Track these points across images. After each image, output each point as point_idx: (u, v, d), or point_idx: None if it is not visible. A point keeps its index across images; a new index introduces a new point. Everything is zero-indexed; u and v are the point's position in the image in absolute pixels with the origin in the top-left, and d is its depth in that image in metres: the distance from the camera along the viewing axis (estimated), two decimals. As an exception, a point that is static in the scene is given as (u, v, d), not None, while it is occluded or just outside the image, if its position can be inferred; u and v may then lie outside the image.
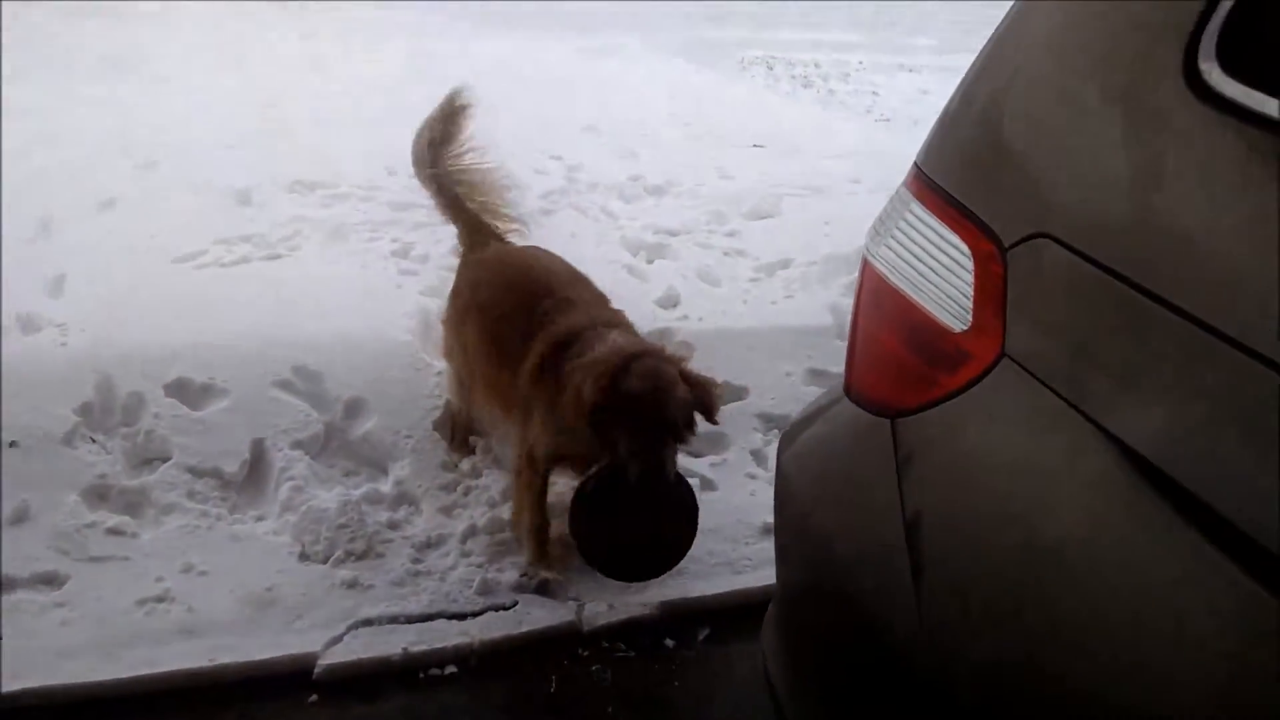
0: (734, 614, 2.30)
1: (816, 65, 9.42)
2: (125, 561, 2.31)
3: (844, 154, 5.83)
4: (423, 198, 4.37)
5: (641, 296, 3.46)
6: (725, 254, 3.97)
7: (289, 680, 2.08)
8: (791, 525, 1.32)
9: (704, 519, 2.64)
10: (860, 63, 9.73)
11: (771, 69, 9.19)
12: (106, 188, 4.20)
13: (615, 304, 3.35)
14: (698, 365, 3.03)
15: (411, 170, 3.07)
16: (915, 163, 1.15)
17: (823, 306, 3.47)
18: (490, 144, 5.35)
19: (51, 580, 2.24)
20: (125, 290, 3.24)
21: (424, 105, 4.91)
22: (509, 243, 2.93)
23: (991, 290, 0.96)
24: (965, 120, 1.10)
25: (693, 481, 2.74)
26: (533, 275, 2.58)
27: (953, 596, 0.97)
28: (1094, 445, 0.84)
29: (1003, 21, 1.11)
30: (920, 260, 1.08)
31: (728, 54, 9.80)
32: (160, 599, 2.22)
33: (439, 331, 3.13)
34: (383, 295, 3.34)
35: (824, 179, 5.12)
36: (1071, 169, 0.95)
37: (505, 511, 2.53)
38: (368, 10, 10.54)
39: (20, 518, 2.35)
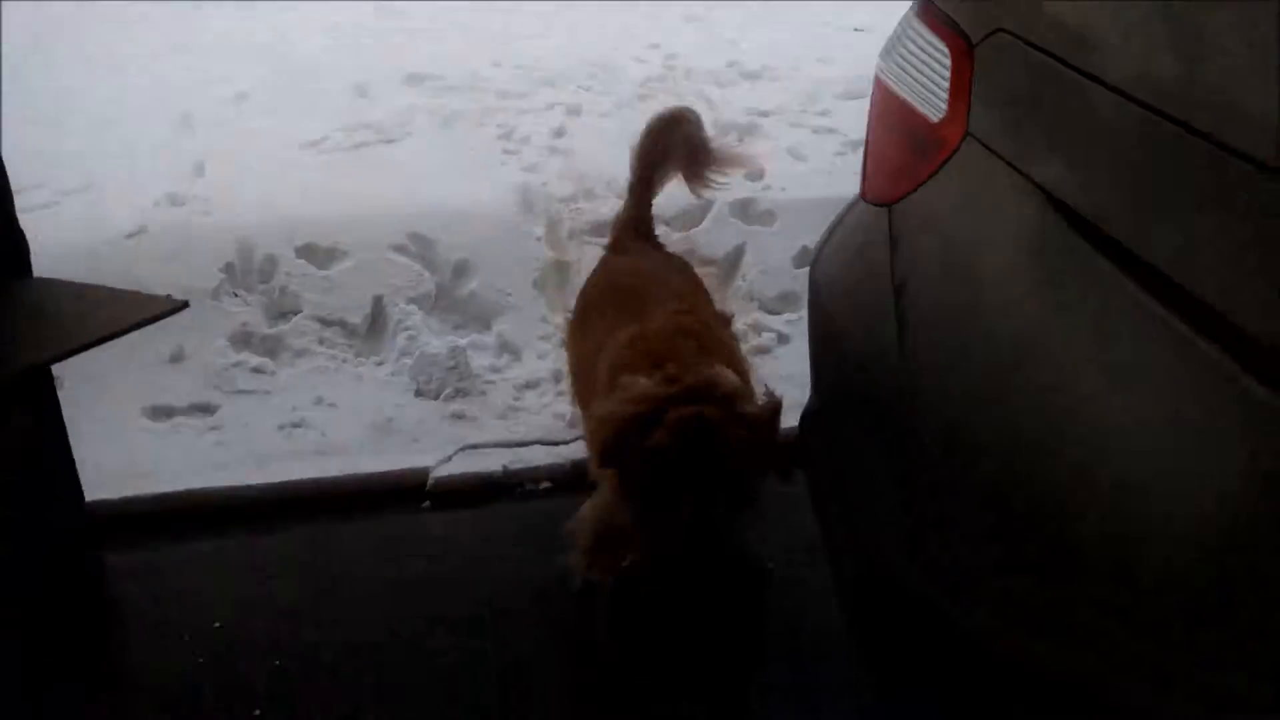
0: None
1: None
2: (266, 395, 2.66)
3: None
4: (525, 87, 4.64)
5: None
6: (814, 132, 4.09)
7: (407, 491, 2.40)
8: (818, 324, 1.52)
9: (779, 365, 2.86)
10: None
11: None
12: (237, 85, 4.54)
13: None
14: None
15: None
16: None
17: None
18: (595, 35, 5.55)
19: (206, 409, 2.61)
20: (258, 171, 3.57)
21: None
22: (655, 247, 2.48)
23: (961, 82, 1.13)
24: None
25: (768, 336, 2.95)
26: (648, 282, 2.10)
27: (926, 348, 1.15)
28: (1029, 200, 1.01)
29: None
30: (913, 66, 1.25)
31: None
32: (297, 425, 2.56)
33: (539, 205, 3.39)
34: (487, 172, 3.59)
35: (922, 61, 5.12)
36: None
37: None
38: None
39: (177, 358, 2.72)
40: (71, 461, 2.09)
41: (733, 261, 3.19)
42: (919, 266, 1.18)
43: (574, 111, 4.31)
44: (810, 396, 1.65)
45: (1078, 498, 0.92)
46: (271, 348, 2.80)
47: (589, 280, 2.32)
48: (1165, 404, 0.86)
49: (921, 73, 1.22)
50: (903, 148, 1.25)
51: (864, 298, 1.29)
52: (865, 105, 4.25)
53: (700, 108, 4.52)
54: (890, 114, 1.28)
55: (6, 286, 1.86)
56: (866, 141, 1.41)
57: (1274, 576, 0.77)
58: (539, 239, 3.21)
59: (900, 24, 1.35)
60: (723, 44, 5.49)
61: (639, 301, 1.99)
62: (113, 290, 1.94)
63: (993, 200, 1.07)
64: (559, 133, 4.04)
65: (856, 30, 5.94)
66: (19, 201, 3.32)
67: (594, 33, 5.55)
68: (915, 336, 1.16)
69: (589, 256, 3.16)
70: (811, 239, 3.25)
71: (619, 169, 3.59)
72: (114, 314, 1.79)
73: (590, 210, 3.33)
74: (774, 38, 5.68)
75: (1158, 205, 0.89)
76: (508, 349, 2.87)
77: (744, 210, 3.36)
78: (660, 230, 3.24)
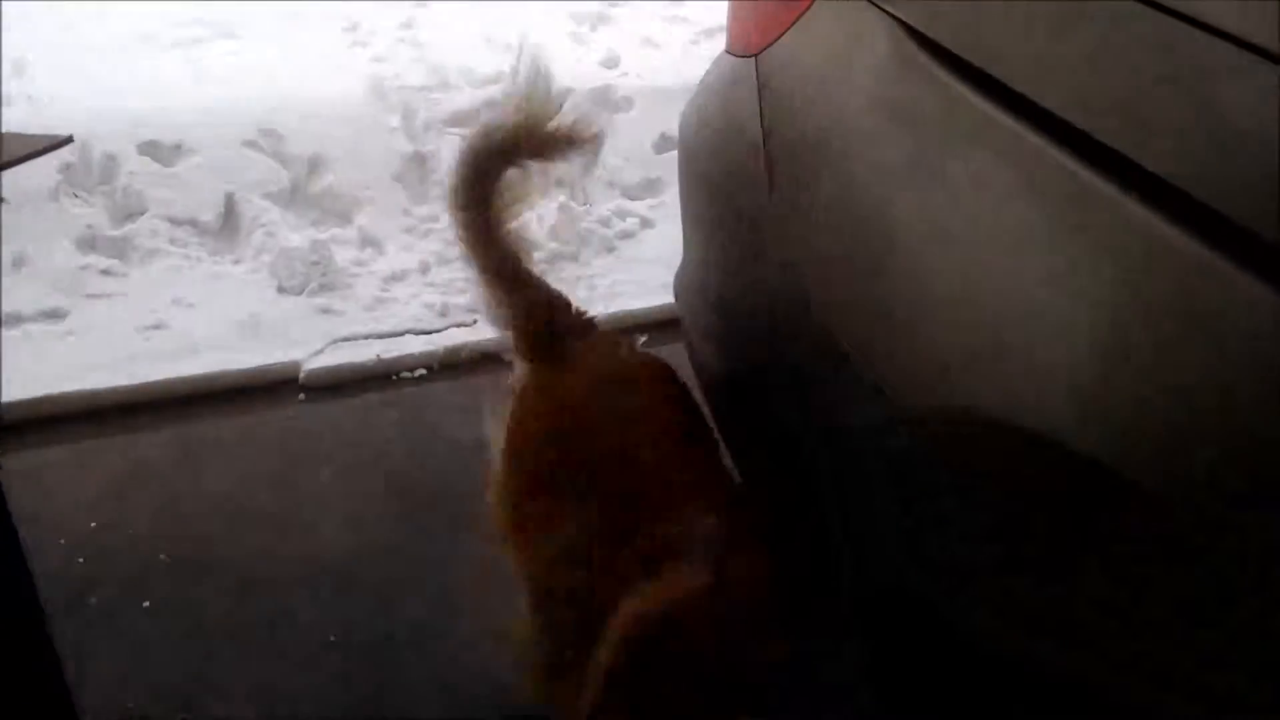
0: (666, 324, 2.59)
1: None
2: (121, 297, 2.57)
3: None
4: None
5: (584, 59, 3.63)
6: (667, 20, 4.10)
7: (280, 385, 2.38)
8: (683, 178, 1.58)
9: (643, 250, 2.93)
10: None
11: None
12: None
13: (559, 66, 3.53)
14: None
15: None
16: None
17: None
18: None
19: (55, 314, 2.50)
20: (87, 69, 3.37)
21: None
22: (602, 339, 1.60)
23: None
24: None
25: (632, 221, 3.02)
26: (616, 463, 1.36)
27: (792, 187, 1.22)
28: (888, 29, 1.07)
29: None
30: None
31: None
32: (156, 326, 2.49)
33: (393, 97, 3.31)
34: (337, 65, 3.49)
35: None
36: None
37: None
38: None
39: (20, 263, 2.59)
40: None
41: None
42: (786, 110, 1.23)
43: (422, 1, 4.19)
44: (681, 263, 1.72)
45: (947, 328, 0.96)
46: (120, 249, 2.70)
47: (532, 414, 1.50)
48: (1024, 218, 0.92)
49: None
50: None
51: (734, 152, 1.34)
52: (716, -7, 4.26)
53: (551, -3, 4.50)
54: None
55: None
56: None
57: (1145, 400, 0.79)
58: (394, 130, 3.16)
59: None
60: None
61: (608, 499, 1.33)
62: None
63: (853, 36, 1.13)
64: (408, 24, 3.93)
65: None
66: None
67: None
68: (784, 181, 1.22)
69: (447, 147, 3.14)
70: (670, 125, 3.30)
71: (472, 58, 3.57)
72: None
73: (446, 100, 3.29)
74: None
75: (1003, 26, 0.96)
76: (370, 242, 2.84)
77: (602, 98, 3.38)
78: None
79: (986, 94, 0.96)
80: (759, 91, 1.27)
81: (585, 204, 3.04)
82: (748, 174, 1.29)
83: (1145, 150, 0.82)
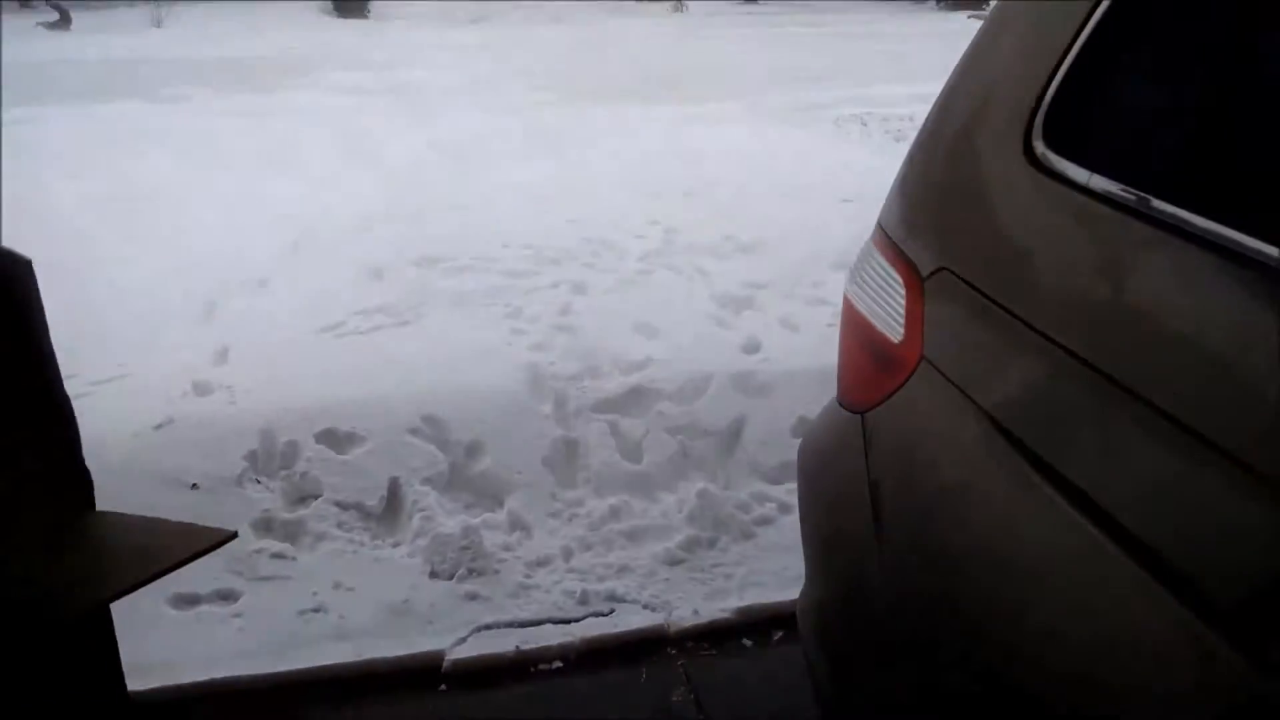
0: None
1: (910, 118, 9.68)
2: (288, 580, 2.76)
3: (931, 204, 6.09)
4: (532, 266, 4.89)
5: (727, 343, 3.82)
6: (807, 303, 4.30)
7: (423, 673, 2.47)
8: (803, 510, 1.65)
9: (782, 536, 2.96)
10: (956, 113, 9.94)
11: (865, 125, 9.51)
12: (260, 269, 4.81)
13: (702, 351, 3.73)
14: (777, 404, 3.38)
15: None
16: (878, 220, 1.49)
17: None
18: (598, 212, 5.88)
19: (229, 595, 2.70)
20: (279, 358, 3.77)
21: (536, 181, 5.42)
22: None
23: (914, 311, 1.28)
24: (903, 174, 1.44)
25: (770, 506, 3.07)
26: None
27: (901, 544, 1.28)
28: (975, 417, 1.15)
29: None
30: (875, 290, 1.41)
31: (824, 114, 10.16)
32: (316, 610, 2.65)
33: (547, 384, 3.55)
34: (497, 352, 3.77)
35: (908, 229, 5.40)
36: (960, 217, 1.27)
37: (605, 532, 2.90)
38: (477, 98, 11.32)
39: (203, 545, 2.82)
40: (119, 666, 2.15)
41: (734, 433, 3.33)
42: (890, 472, 1.31)
43: (579, 289, 4.54)
44: (805, 584, 1.75)
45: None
46: (292, 532, 2.91)
47: None
48: (1095, 617, 0.98)
49: (882, 297, 1.38)
50: (870, 364, 1.40)
51: (845, 495, 1.41)
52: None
53: (697, 280, 4.80)
54: (858, 332, 1.44)
55: (71, 523, 1.97)
56: (839, 352, 1.57)
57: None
58: (547, 417, 3.36)
59: (863, 250, 1.53)
60: (719, 218, 5.79)
61: None
62: (165, 523, 2.06)
63: (947, 419, 1.21)
64: (565, 310, 4.25)
65: (844, 201, 6.27)
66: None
67: (597, 212, 5.88)
68: (887, 530, 1.28)
69: (595, 433, 3.31)
70: (807, 409, 3.42)
71: (622, 345, 3.81)
72: (169, 547, 1.89)
73: (595, 387, 3.50)
74: (767, 211, 6.00)
75: (1079, 434, 1.04)
76: (519, 525, 2.97)
77: (743, 383, 3.52)
78: (662, 405, 3.42)
79: (1052, 484, 1.02)
80: (865, 446, 1.35)
81: (725, 488, 3.12)
82: (857, 517, 1.35)
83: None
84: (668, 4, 26.08)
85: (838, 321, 4.05)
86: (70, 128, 8.97)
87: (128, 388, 3.59)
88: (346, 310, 4.29)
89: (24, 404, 1.62)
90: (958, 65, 1.37)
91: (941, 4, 24.99)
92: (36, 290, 1.51)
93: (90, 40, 17.50)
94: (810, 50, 17.17)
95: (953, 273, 1.23)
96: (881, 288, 1.38)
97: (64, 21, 19.14)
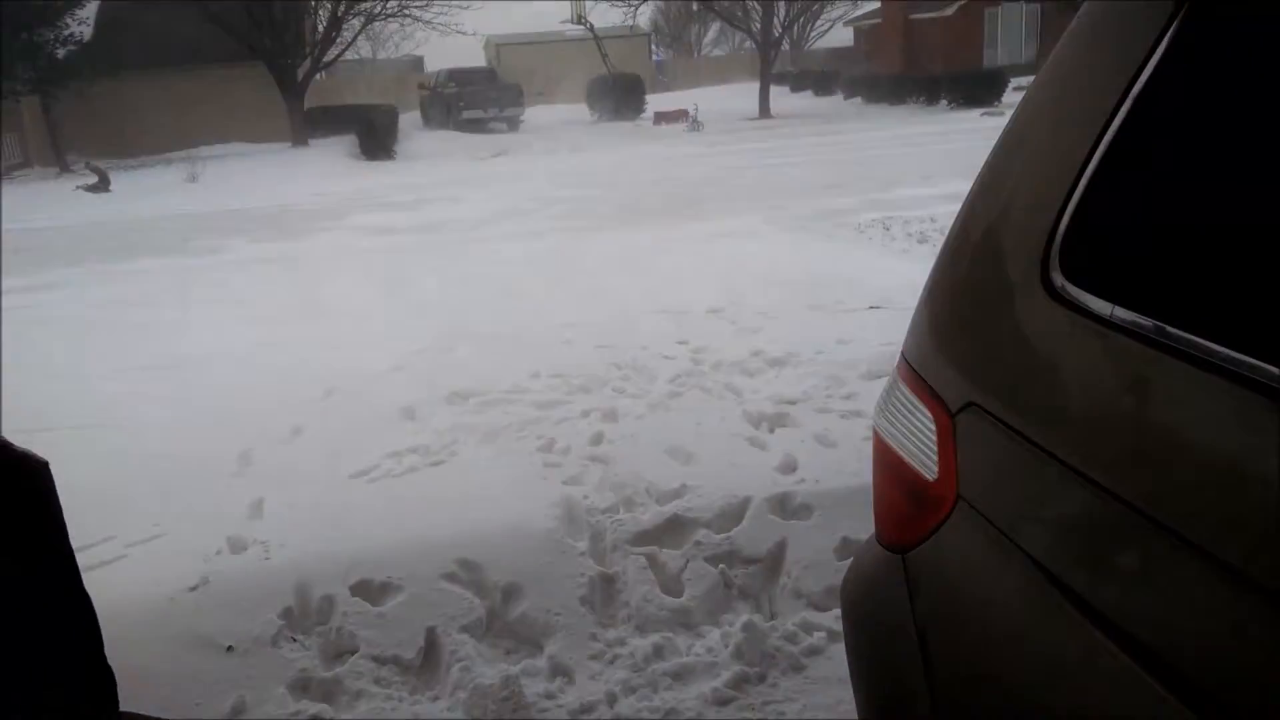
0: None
1: (933, 220, 9.75)
2: (326, 744, 2.67)
3: (958, 305, 6.07)
4: (562, 396, 4.89)
5: (762, 464, 3.76)
6: (842, 416, 4.24)
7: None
8: (851, 657, 1.57)
9: (834, 667, 2.84)
10: (976, 211, 10.00)
11: (888, 229, 9.57)
12: (293, 418, 4.84)
13: (738, 474, 3.67)
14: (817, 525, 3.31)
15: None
16: (902, 351, 1.46)
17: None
18: (626, 335, 5.91)
19: (267, 764, 2.62)
20: (313, 508, 3.75)
21: (564, 308, 5.48)
22: None
23: (947, 447, 1.24)
24: (924, 307, 1.41)
25: (819, 635, 2.96)
26: None
27: (955, 696, 1.20)
28: (1017, 558, 1.09)
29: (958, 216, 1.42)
30: (905, 426, 1.36)
31: (845, 220, 10.26)
32: (356, 775, 2.56)
33: (582, 519, 3.49)
34: (530, 488, 3.73)
35: (938, 332, 5.36)
36: (985, 350, 1.23)
37: (649, 673, 2.80)
38: (503, 230, 11.57)
39: (238, 711, 2.76)
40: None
41: (775, 559, 3.24)
42: (937, 620, 1.24)
43: (610, 417, 4.52)
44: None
45: None
46: (329, 691, 2.84)
47: None
48: None
49: (912, 433, 1.33)
50: (906, 502, 1.35)
51: (894, 649, 1.34)
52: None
53: (729, 399, 4.77)
54: (891, 468, 1.40)
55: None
56: (874, 487, 1.52)
57: None
58: (583, 553, 3.29)
59: (889, 383, 1.49)
60: (746, 334, 5.80)
61: None
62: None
63: (989, 561, 1.15)
64: (597, 440, 4.22)
65: (872, 308, 6.27)
66: (90, 556, 3.51)
67: (625, 335, 5.91)
68: (943, 690, 1.21)
69: (633, 567, 3.24)
70: (850, 529, 3.34)
71: (656, 474, 3.76)
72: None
73: (631, 520, 3.43)
74: (795, 323, 6.00)
75: (1119, 573, 0.98)
76: (560, 671, 2.88)
77: (781, 506, 3.45)
78: (700, 534, 3.35)
79: (1100, 627, 0.97)
80: (910, 593, 1.29)
81: (771, 619, 3.02)
82: (908, 669, 1.28)
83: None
84: (682, 125, 26.81)
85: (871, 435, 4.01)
86: (103, 290, 9.24)
87: (163, 548, 3.57)
88: (379, 453, 4.29)
89: (45, 606, 1.59)
90: (974, 187, 1.35)
91: (953, 104, 25.46)
92: (54, 491, 1.51)
93: (128, 200, 18.20)
94: (825, 158, 17.49)
95: (981, 407, 1.19)
96: (911, 422, 1.34)
97: (103, 184, 19.95)
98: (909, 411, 1.35)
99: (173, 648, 2.94)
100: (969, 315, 1.28)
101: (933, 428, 1.27)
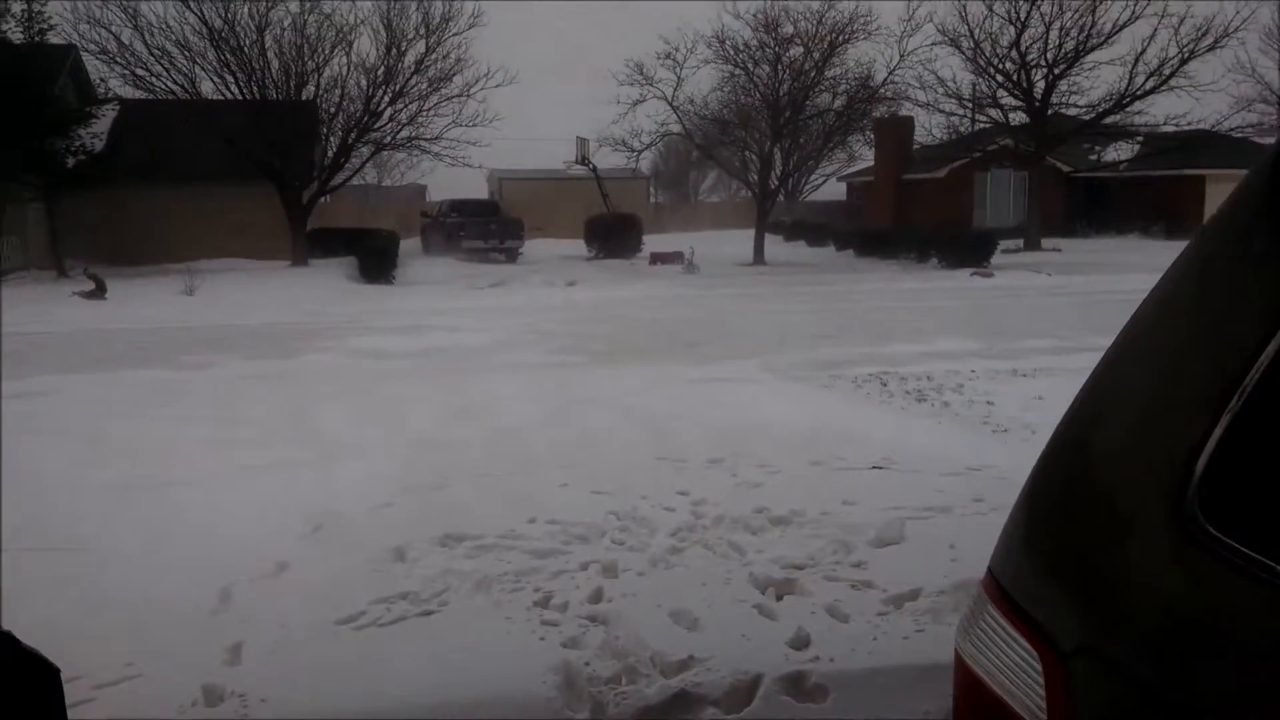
0: None
1: (929, 378, 9.75)
2: None
3: (963, 471, 5.98)
4: (558, 544, 4.72)
5: (772, 637, 3.58)
6: (853, 587, 4.08)
7: None
8: None
9: None
10: (973, 371, 10.02)
11: (885, 385, 9.55)
12: (279, 553, 4.64)
13: (747, 647, 3.48)
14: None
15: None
16: (989, 566, 1.33)
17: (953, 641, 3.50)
18: (623, 482, 5.78)
19: None
20: (295, 657, 3.53)
21: (559, 449, 5.36)
22: None
23: (1057, 695, 1.11)
24: (1022, 520, 1.29)
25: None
26: None
27: None
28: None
29: (1053, 437, 1.32)
30: (1001, 659, 1.23)
31: (840, 372, 10.26)
32: None
33: (582, 688, 3.29)
34: (527, 649, 3.53)
35: (945, 498, 5.25)
36: (1103, 587, 1.12)
37: None
38: (499, 360, 11.53)
39: None
40: None
41: (788, 746, 3.05)
42: None
43: (609, 571, 4.34)
44: None
45: None
46: None
47: None
48: None
49: (1013, 671, 1.20)
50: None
51: None
52: (899, 554, 4.32)
53: (733, 559, 4.60)
54: (986, 708, 1.25)
55: None
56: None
57: None
58: (585, 728, 3.09)
59: (976, 603, 1.36)
60: (748, 488, 5.67)
61: None
62: None
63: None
64: (596, 597, 4.03)
65: (875, 468, 6.16)
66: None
67: (623, 481, 5.76)
68: None
69: (636, 749, 3.03)
70: (864, 715, 3.14)
71: (661, 639, 3.57)
72: None
73: (634, 693, 3.23)
74: (797, 479, 5.88)
75: None
76: None
77: (794, 686, 3.26)
78: (708, 713, 3.14)
79: None
80: None
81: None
82: None
83: None
84: (678, 266, 27.22)
85: (889, 610, 3.84)
86: (87, 401, 9.07)
87: (133, 693, 3.34)
88: (367, 598, 4.09)
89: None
90: (1087, 386, 1.25)
91: (943, 263, 25.99)
92: (62, 700, 1.36)
93: (123, 309, 18.17)
94: (818, 309, 17.69)
95: (1101, 653, 1.07)
96: (1009, 657, 1.21)
97: (99, 291, 19.96)
98: (1005, 644, 1.22)
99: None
100: (1080, 542, 1.17)
101: (1038, 668, 1.14)
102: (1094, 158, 38.24)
